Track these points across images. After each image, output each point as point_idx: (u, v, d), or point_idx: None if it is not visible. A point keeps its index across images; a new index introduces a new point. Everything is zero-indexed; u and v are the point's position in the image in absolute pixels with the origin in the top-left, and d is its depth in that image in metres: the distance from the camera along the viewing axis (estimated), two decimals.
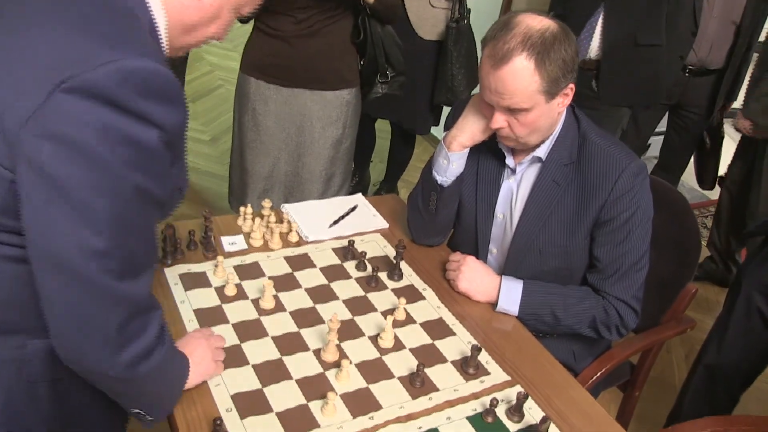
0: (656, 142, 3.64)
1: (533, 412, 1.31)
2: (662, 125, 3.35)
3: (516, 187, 1.63)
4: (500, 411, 1.29)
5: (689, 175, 3.55)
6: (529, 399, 1.33)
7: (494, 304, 1.60)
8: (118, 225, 0.90)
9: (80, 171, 0.86)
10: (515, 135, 1.50)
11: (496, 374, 1.39)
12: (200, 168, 3.88)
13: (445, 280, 1.67)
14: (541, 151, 1.57)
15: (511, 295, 1.59)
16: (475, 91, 1.77)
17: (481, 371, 1.39)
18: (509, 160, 1.62)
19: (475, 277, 1.62)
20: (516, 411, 1.29)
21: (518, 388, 1.34)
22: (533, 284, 1.60)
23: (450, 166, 1.63)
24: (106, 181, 0.87)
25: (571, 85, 1.46)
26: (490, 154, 1.65)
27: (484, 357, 1.43)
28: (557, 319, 1.58)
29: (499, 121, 1.48)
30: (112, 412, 1.19)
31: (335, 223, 1.82)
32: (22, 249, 0.92)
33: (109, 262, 0.90)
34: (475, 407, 1.30)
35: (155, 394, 1.13)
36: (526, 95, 1.41)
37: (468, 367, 1.39)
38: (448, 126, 1.67)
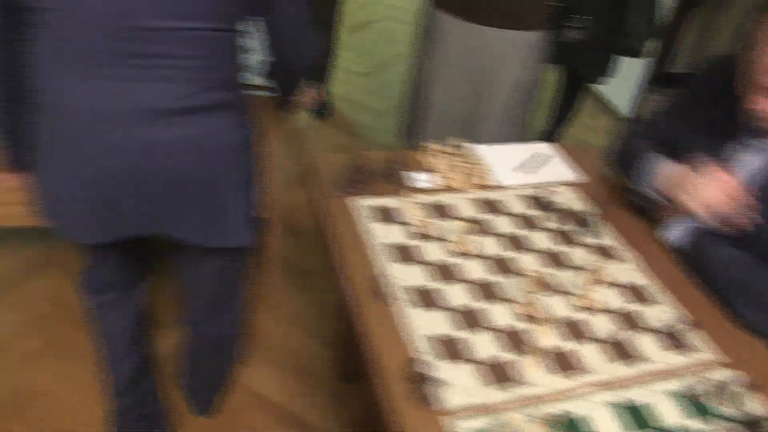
0: None
1: (754, 403, 1.18)
2: None
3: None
4: (711, 390, 1.18)
5: None
6: (750, 387, 1.20)
7: None
8: None
9: None
10: None
11: (708, 352, 1.27)
12: (354, 100, 3.86)
13: (652, 243, 1.53)
14: None
15: None
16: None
17: (691, 347, 1.28)
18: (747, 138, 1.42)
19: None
20: (730, 397, 1.17)
21: (736, 372, 1.22)
22: None
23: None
24: None
25: None
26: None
27: (696, 332, 1.31)
28: None
29: None
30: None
31: (529, 170, 1.72)
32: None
33: None
34: (682, 384, 1.20)
35: None
36: None
37: (676, 339, 1.28)
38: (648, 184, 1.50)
